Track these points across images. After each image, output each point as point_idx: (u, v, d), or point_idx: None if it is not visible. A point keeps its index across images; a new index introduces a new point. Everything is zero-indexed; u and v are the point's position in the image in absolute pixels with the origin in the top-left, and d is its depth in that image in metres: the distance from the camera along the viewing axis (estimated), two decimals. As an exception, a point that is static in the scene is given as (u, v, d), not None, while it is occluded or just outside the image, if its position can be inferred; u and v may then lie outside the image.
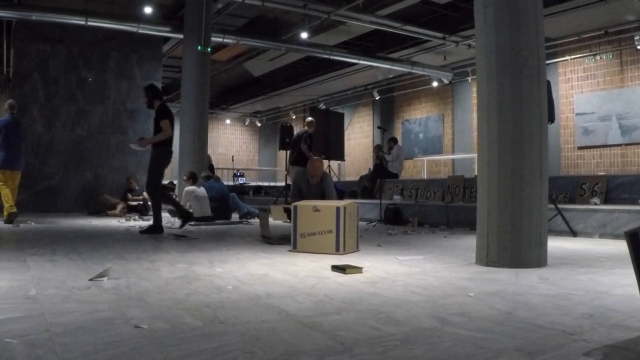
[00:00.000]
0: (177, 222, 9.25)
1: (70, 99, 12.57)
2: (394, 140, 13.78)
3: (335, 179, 13.52)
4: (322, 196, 7.02)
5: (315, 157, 7.36)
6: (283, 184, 14.08)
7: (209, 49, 12.54)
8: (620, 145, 13.08)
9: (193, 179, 10.15)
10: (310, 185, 7.07)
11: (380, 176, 11.42)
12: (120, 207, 11.19)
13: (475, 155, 5.31)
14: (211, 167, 13.80)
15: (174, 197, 10.70)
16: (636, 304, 2.74)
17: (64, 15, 11.78)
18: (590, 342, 2.08)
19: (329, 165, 13.12)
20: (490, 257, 4.21)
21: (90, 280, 3.36)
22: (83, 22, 11.87)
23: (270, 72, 19.92)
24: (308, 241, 5.06)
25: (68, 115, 12.52)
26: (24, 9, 11.60)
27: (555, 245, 5.60)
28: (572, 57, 14.03)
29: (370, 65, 16.66)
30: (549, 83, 5.07)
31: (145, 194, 11.54)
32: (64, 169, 12.36)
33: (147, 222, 9.45)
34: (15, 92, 12.33)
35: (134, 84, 13.23)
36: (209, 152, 15.21)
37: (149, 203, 11.55)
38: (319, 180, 7.04)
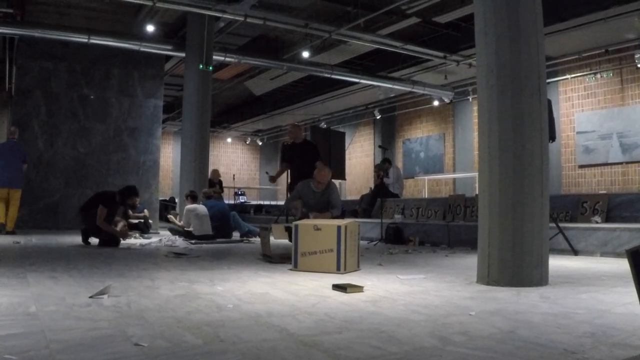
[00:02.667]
0: (177, 240, 9.26)
1: (72, 117, 12.61)
2: (387, 162, 13.36)
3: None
4: (327, 204, 6.99)
5: (323, 165, 7.40)
6: (284, 202, 14.07)
7: (210, 68, 12.61)
8: (621, 163, 13.10)
9: (193, 197, 10.17)
10: (315, 194, 7.04)
11: (381, 196, 11.42)
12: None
13: (476, 174, 5.33)
14: (220, 184, 13.80)
15: (175, 214, 10.71)
16: (638, 322, 2.73)
17: (67, 33, 11.87)
18: (592, 362, 2.07)
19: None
20: (491, 276, 4.20)
21: (91, 297, 3.35)
22: (86, 40, 11.95)
23: (271, 91, 20.00)
24: (309, 260, 5.05)
25: (69, 133, 12.56)
26: (27, 26, 11.69)
27: (557, 263, 5.59)
28: (573, 75, 14.10)
29: (371, 85, 16.73)
30: (549, 102, 5.09)
31: (146, 211, 11.55)
32: (64, 186, 12.38)
33: (148, 239, 9.46)
34: (17, 108, 12.39)
35: (136, 102, 13.28)
36: (218, 169, 15.25)
37: (150, 221, 11.58)
38: (324, 188, 7.01)
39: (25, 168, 10.52)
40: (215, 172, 14.07)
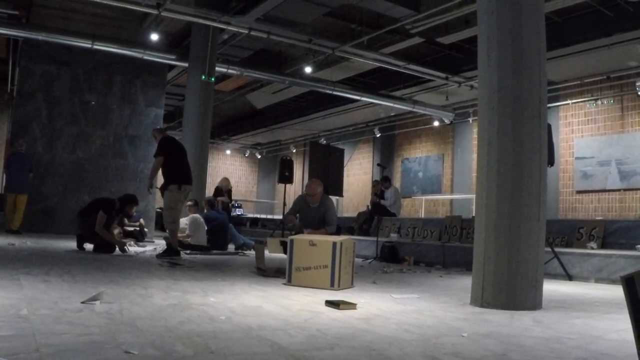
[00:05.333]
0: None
1: (73, 121, 12.61)
2: (387, 180, 13.09)
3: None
4: (323, 219, 6.97)
5: (313, 179, 7.40)
6: (280, 217, 14.02)
7: (212, 79, 12.63)
8: (618, 190, 13.10)
9: (197, 205, 10.13)
10: (311, 209, 7.02)
11: (378, 214, 11.40)
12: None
13: (474, 196, 5.33)
14: (229, 193, 13.72)
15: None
16: (631, 349, 2.72)
17: (71, 38, 11.87)
18: (584, 388, 2.06)
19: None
20: (485, 298, 4.19)
21: (83, 303, 3.34)
22: (89, 45, 11.95)
23: (272, 104, 20.02)
24: (303, 275, 5.03)
25: (69, 137, 12.56)
26: (32, 29, 11.70)
27: (551, 288, 5.57)
28: (574, 101, 14.14)
29: (372, 103, 16.74)
30: (549, 126, 5.11)
31: (142, 220, 11.52)
32: (62, 191, 12.35)
33: (143, 247, 9.43)
34: (18, 110, 12.39)
35: (137, 110, 13.29)
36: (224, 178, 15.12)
37: (145, 230, 11.55)
38: (319, 203, 7.00)
39: (31, 176, 11.31)
40: (226, 181, 13.92)
